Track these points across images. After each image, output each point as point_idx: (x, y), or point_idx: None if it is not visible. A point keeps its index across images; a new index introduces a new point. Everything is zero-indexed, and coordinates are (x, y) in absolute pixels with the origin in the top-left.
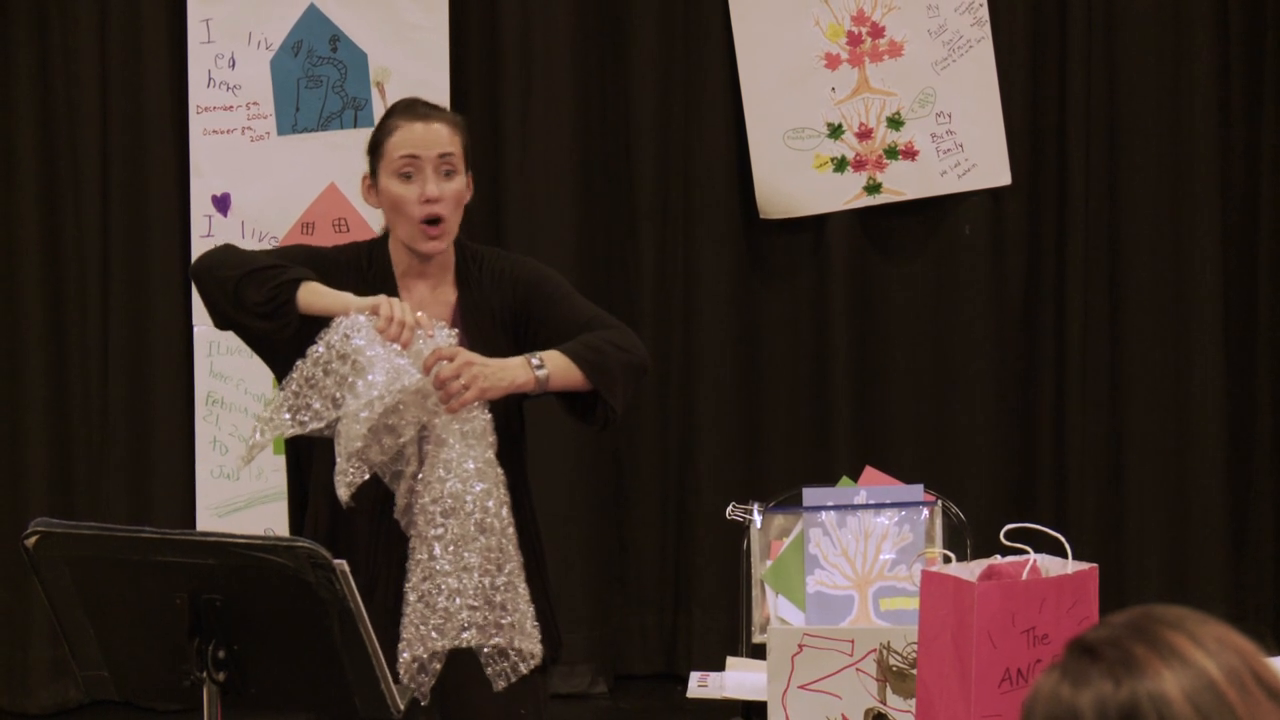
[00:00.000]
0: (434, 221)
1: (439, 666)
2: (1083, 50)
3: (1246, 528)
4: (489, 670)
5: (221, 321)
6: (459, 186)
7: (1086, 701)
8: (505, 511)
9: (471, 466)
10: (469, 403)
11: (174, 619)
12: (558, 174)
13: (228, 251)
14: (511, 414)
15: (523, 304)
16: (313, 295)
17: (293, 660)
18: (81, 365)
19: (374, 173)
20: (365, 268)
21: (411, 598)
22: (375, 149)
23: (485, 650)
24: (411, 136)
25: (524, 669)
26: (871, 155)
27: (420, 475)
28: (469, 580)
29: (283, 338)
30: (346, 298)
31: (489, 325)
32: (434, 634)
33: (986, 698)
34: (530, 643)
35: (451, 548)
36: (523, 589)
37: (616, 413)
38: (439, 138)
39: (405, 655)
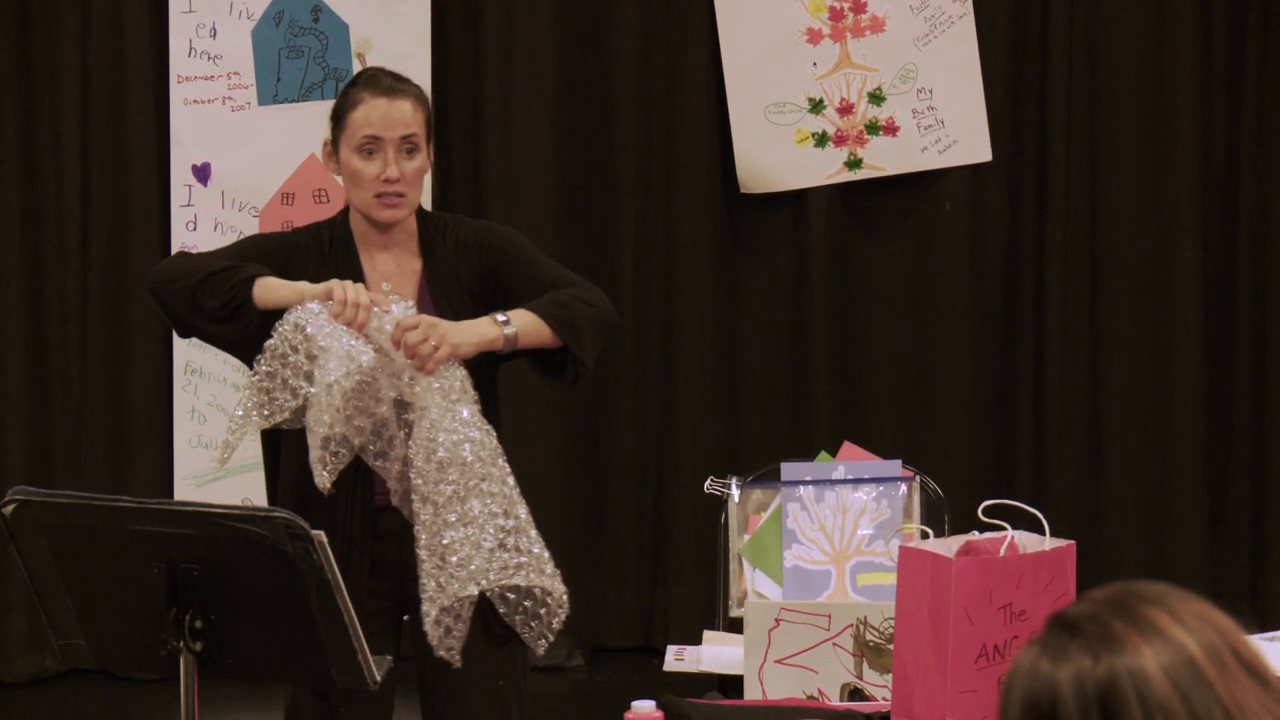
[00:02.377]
0: (392, 195)
1: (464, 627)
2: (1065, 26)
3: (1224, 506)
4: (526, 636)
5: (184, 330)
6: (420, 163)
7: (1065, 677)
8: (502, 461)
9: (465, 414)
10: (442, 361)
11: (151, 588)
12: (539, 147)
13: (181, 261)
14: (484, 387)
15: (490, 269)
16: (267, 291)
17: (270, 630)
18: (60, 334)
19: (335, 141)
20: (327, 245)
21: (423, 555)
22: (338, 119)
23: (517, 618)
24: (375, 115)
25: (557, 624)
26: (852, 131)
27: (410, 443)
28: (476, 530)
29: (246, 336)
30: (301, 287)
31: (456, 292)
32: (453, 585)
33: (963, 673)
34: (551, 582)
35: (455, 500)
36: (534, 533)
37: (587, 367)
38: (403, 117)
39: (431, 613)
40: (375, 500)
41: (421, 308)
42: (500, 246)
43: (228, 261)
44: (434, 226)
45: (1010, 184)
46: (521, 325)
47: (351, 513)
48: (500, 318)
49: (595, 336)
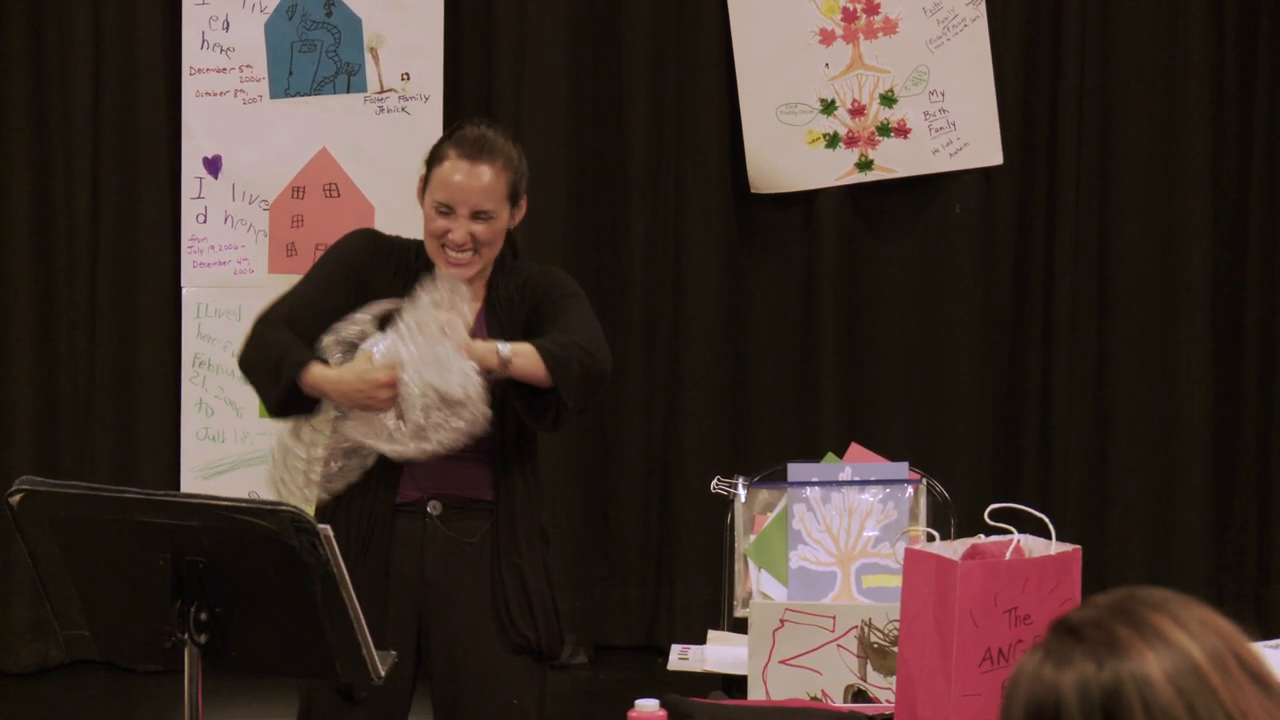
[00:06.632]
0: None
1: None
2: (1077, 30)
3: (1230, 512)
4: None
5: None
6: (496, 225)
7: (1069, 682)
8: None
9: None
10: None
11: (157, 580)
12: (550, 145)
13: (250, 352)
14: (526, 440)
15: (535, 308)
16: (311, 386)
17: (275, 624)
18: (69, 325)
19: (426, 180)
20: (412, 261)
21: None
22: (429, 165)
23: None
24: (453, 181)
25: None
26: (864, 132)
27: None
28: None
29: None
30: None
31: (509, 325)
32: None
33: (967, 677)
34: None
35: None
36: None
37: (568, 412)
38: (479, 187)
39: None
40: (396, 499)
41: (477, 336)
42: (547, 290)
43: (277, 353)
44: (506, 271)
45: (1021, 187)
46: (518, 350)
47: (373, 511)
48: (502, 347)
49: (584, 385)
